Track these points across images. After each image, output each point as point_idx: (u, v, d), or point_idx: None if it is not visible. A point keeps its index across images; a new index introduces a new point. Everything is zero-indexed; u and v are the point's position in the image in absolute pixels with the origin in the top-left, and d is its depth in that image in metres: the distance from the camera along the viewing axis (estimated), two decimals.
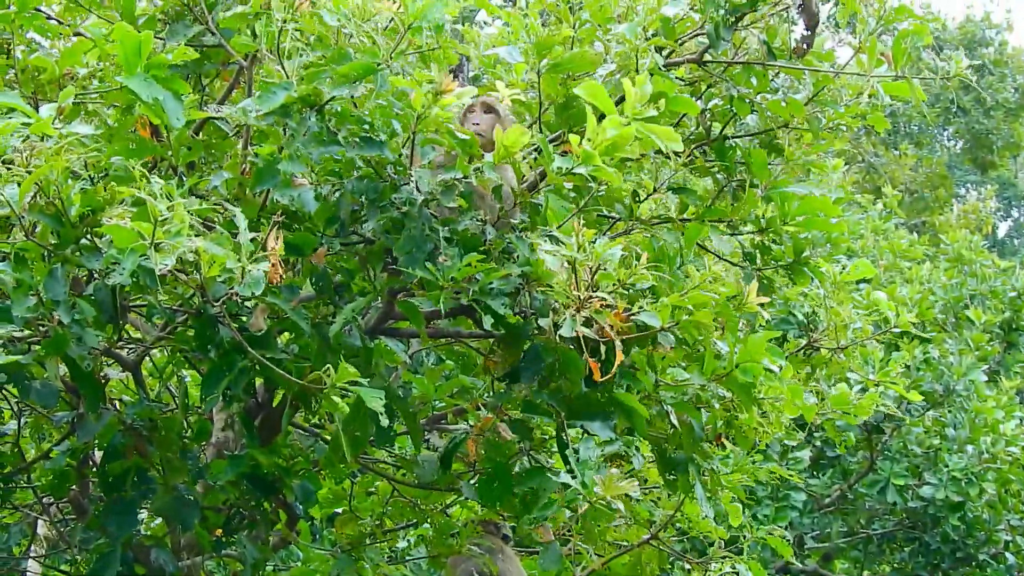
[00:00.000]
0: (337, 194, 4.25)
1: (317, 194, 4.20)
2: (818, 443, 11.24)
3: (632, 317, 4.20)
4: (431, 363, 6.78)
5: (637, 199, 4.84)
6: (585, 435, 4.87)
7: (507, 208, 4.37)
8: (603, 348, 4.15)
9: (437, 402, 6.16)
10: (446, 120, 4.17)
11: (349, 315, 4.21)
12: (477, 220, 4.23)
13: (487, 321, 4.14)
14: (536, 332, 4.27)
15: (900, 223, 15.84)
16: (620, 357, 4.07)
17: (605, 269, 4.05)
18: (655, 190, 4.79)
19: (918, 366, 11.03)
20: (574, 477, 4.50)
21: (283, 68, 4.11)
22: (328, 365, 3.76)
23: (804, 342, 7.14)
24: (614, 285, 4.08)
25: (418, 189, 4.07)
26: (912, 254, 13.89)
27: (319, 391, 3.87)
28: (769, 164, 5.48)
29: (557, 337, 4.05)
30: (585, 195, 4.49)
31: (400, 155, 4.22)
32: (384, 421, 3.78)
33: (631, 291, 4.21)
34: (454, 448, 4.96)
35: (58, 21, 5.18)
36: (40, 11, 4.86)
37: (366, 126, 4.14)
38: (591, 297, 4.03)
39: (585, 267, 4.03)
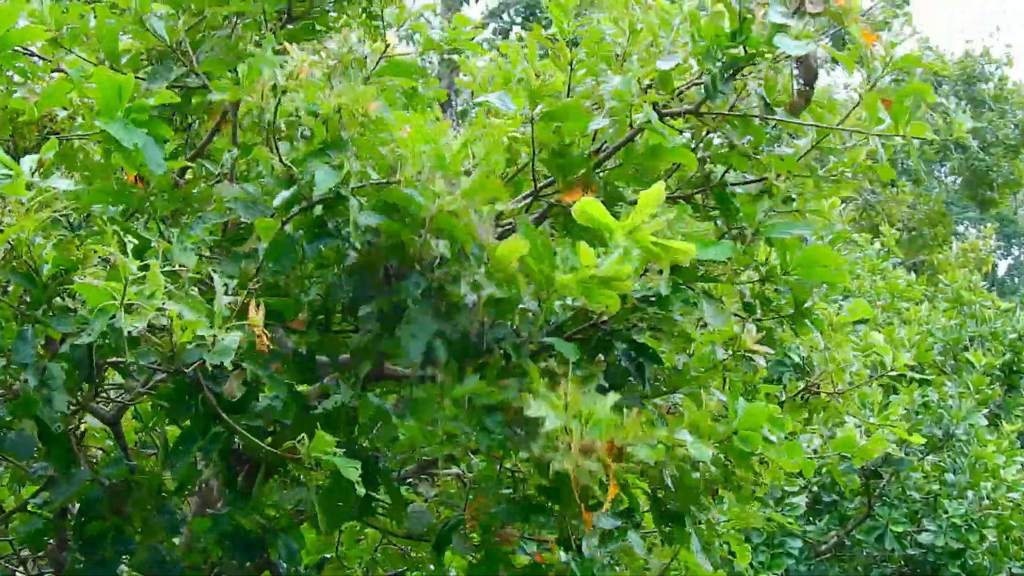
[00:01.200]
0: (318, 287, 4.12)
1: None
2: (815, 488, 11.10)
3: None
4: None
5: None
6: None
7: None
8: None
9: (425, 448, 6.04)
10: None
11: (335, 404, 4.07)
12: (479, 323, 4.07)
13: (482, 441, 3.95)
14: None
15: (898, 262, 15.77)
16: (613, 492, 3.85)
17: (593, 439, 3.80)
18: (646, 271, 4.59)
19: (917, 410, 10.88)
20: None
21: (276, 151, 3.94)
22: (303, 435, 3.61)
23: (801, 386, 7.06)
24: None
25: (424, 272, 3.90)
26: (910, 294, 13.77)
27: (294, 461, 3.73)
28: (768, 211, 5.37)
29: (550, 471, 3.85)
30: None
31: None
32: (360, 491, 3.62)
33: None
34: (449, 531, 4.81)
35: (40, 57, 5.05)
36: (19, 50, 4.74)
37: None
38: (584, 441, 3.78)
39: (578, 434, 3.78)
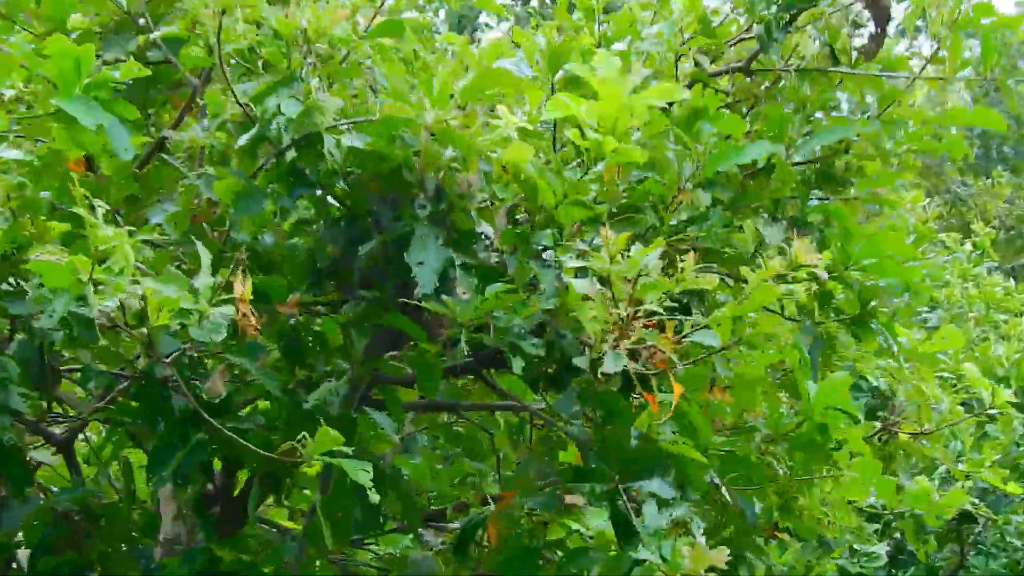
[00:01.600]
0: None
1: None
2: (897, 534, 11.06)
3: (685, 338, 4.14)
4: (425, 444, 6.72)
5: (664, 205, 4.78)
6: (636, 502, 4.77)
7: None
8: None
9: (433, 492, 6.10)
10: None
11: (324, 396, 4.16)
12: (491, 249, 4.20)
13: (516, 364, 4.06)
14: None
15: (994, 266, 15.64)
16: (679, 390, 3.98)
17: (647, 278, 3.97)
18: (680, 190, 4.72)
19: (1017, 441, 10.80)
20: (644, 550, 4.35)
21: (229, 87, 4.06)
22: (304, 432, 3.69)
23: (878, 425, 7.06)
24: (660, 298, 4.01)
25: (430, 197, 4.02)
26: (1009, 304, 13.60)
27: (293, 466, 3.80)
28: (827, 199, 5.44)
29: (599, 376, 3.98)
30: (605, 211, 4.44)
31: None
32: (373, 498, 3.69)
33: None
34: (472, 529, 4.88)
35: None
36: None
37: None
38: (635, 316, 3.96)
39: (622, 281, 3.96)
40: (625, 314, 3.95)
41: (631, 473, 4.35)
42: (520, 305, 4.01)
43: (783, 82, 5.06)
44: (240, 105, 3.99)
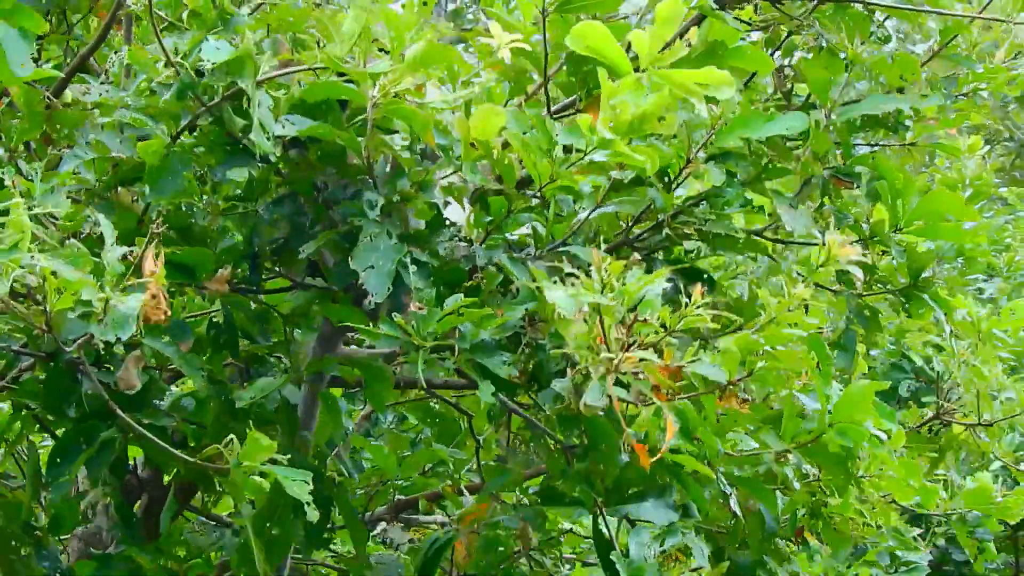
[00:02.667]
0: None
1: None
2: (941, 541, 11.07)
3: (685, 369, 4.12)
4: (390, 423, 6.74)
5: (667, 182, 4.74)
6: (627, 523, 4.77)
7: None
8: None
9: (401, 480, 6.12)
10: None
11: (258, 393, 4.16)
12: (459, 239, 4.17)
13: (485, 390, 4.05)
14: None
15: None
16: (672, 430, 3.96)
17: (642, 318, 3.93)
18: (689, 161, 4.68)
19: None
20: None
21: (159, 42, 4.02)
22: (231, 436, 3.67)
23: (930, 413, 7.04)
24: (657, 334, 3.97)
25: (376, 188, 4.00)
26: None
27: (220, 473, 3.79)
28: (876, 145, 5.40)
29: (581, 405, 3.97)
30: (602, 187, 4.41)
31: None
32: (312, 515, 3.68)
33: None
34: (437, 553, 4.89)
35: None
36: None
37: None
38: (627, 351, 3.92)
39: (615, 313, 3.91)
40: (615, 353, 3.91)
41: (620, 495, 4.35)
42: (488, 318, 3.98)
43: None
44: (168, 59, 3.94)
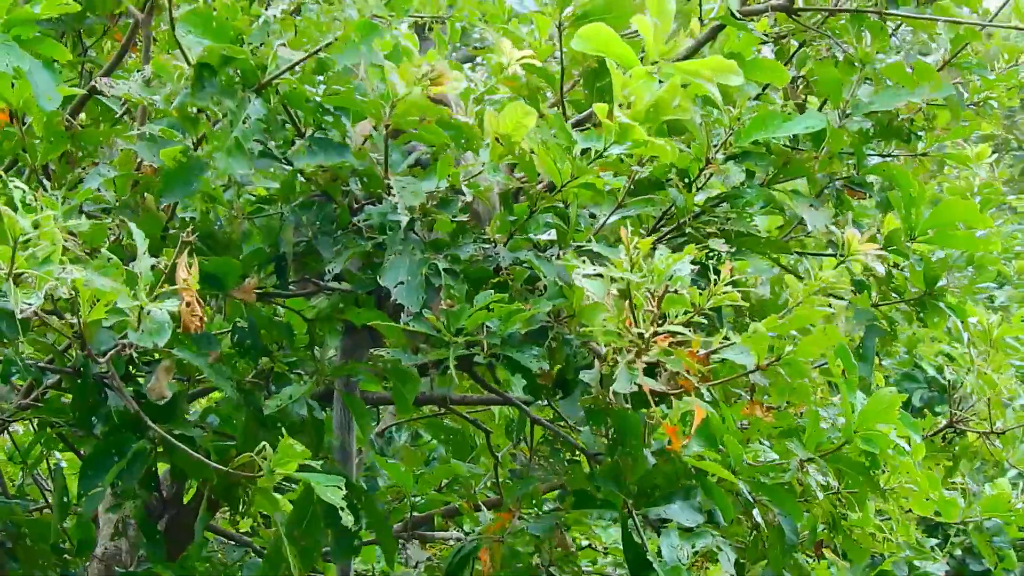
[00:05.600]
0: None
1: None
2: (958, 551, 11.02)
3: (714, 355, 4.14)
4: (405, 441, 6.73)
5: (687, 182, 4.76)
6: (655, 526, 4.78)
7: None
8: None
9: (418, 497, 6.12)
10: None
11: (285, 400, 4.18)
12: (482, 242, 4.20)
13: (517, 384, 4.09)
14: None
15: None
16: (700, 414, 3.98)
17: (673, 291, 3.96)
18: (708, 161, 4.70)
19: None
20: None
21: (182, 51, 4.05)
22: (264, 443, 3.68)
23: (943, 421, 7.02)
24: (687, 313, 4.00)
25: (401, 207, 4.02)
26: None
27: (250, 481, 3.80)
28: (888, 156, 5.42)
29: (610, 394, 3.99)
30: (623, 188, 4.43)
31: (371, 162, 4.20)
32: (347, 520, 3.70)
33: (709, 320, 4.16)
34: (461, 563, 4.89)
35: None
36: None
37: (327, 117, 4.09)
38: (656, 333, 3.95)
39: (643, 292, 3.94)
40: (646, 332, 3.94)
41: (647, 497, 4.36)
42: (517, 313, 4.01)
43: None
44: (188, 64, 3.96)
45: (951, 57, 5.27)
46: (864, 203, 5.54)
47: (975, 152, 6.37)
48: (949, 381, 7.26)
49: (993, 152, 6.31)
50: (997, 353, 6.64)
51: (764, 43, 5.11)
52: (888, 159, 5.44)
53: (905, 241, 5.31)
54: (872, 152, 5.42)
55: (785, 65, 5.15)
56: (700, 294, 3.99)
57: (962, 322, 6.07)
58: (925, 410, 7.54)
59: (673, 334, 3.98)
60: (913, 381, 9.21)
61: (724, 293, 3.99)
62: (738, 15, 4.68)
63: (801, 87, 5.40)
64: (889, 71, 5.04)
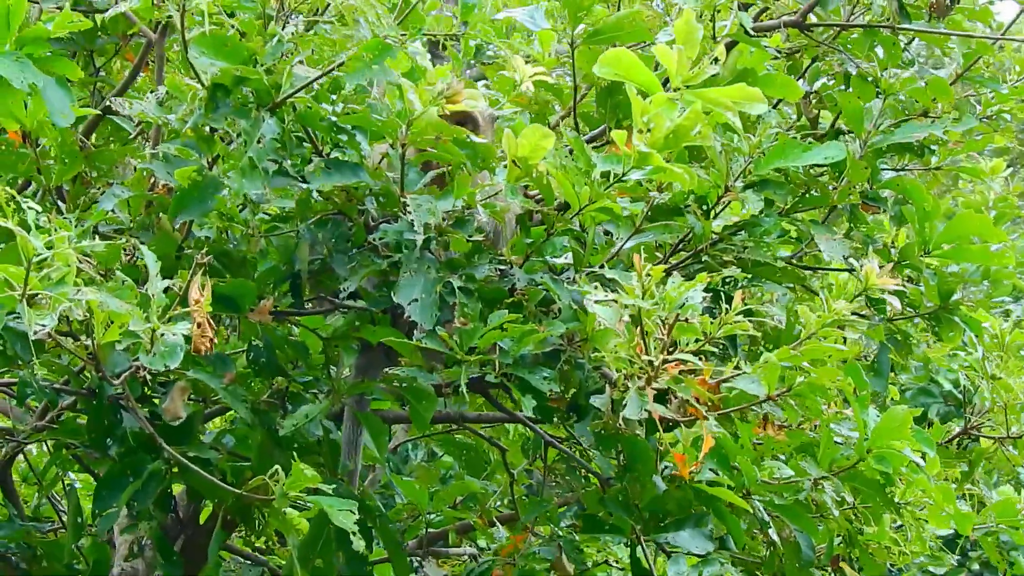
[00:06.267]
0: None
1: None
2: (975, 566, 10.97)
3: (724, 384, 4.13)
4: (420, 459, 6.72)
5: (705, 209, 4.76)
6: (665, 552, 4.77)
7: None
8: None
9: (432, 514, 6.11)
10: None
11: (301, 420, 4.18)
12: (498, 262, 4.20)
13: (527, 404, 4.09)
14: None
15: None
16: (709, 442, 3.98)
17: (685, 319, 3.95)
18: (727, 189, 4.70)
19: None
20: None
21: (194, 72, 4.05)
22: (276, 467, 3.68)
23: (957, 428, 7.01)
24: (698, 341, 3.99)
25: (416, 225, 4.02)
26: None
27: (264, 503, 3.80)
28: (902, 170, 5.41)
29: (620, 421, 3.99)
30: (641, 213, 4.43)
31: (388, 181, 4.20)
32: (358, 544, 3.70)
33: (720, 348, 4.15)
34: None
35: None
36: None
37: (343, 136, 4.09)
38: (667, 361, 3.94)
39: (655, 319, 3.93)
40: (656, 359, 3.93)
41: (657, 523, 4.36)
42: (530, 334, 4.01)
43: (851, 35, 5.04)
44: (202, 85, 3.96)
45: (964, 71, 5.26)
46: (878, 217, 5.52)
47: (989, 166, 6.36)
48: (964, 387, 7.25)
49: (1008, 166, 6.30)
50: (1010, 359, 6.64)
51: (775, 58, 5.11)
52: (902, 173, 5.43)
53: (919, 255, 5.29)
54: (886, 166, 5.42)
55: (798, 80, 5.14)
56: (712, 322, 3.99)
57: (977, 336, 6.05)
58: (938, 422, 7.51)
59: (683, 362, 3.98)
60: (929, 396, 9.16)
61: (735, 322, 3.98)
62: (751, 31, 4.67)
63: (814, 101, 5.39)
64: (903, 86, 5.03)
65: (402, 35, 4.11)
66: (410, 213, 4.02)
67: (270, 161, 3.96)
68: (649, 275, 3.88)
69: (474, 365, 4.07)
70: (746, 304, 4.02)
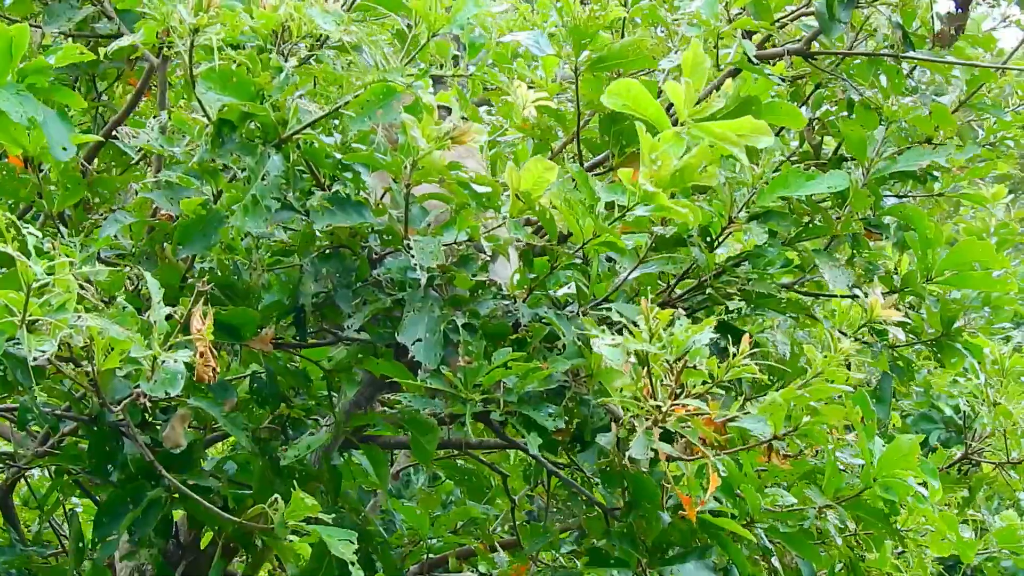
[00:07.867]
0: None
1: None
2: None
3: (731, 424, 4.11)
4: (422, 483, 6.70)
5: (708, 241, 4.75)
6: None
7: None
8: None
9: (433, 539, 6.10)
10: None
11: (304, 451, 4.17)
12: (501, 297, 4.19)
13: (532, 443, 4.08)
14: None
15: None
16: (715, 481, 3.96)
17: (692, 365, 3.93)
18: (731, 220, 4.69)
19: None
20: None
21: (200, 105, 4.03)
22: (276, 495, 3.67)
23: (958, 453, 7.00)
24: (705, 384, 3.97)
25: (420, 266, 4.01)
26: None
27: (264, 532, 3.78)
28: (905, 196, 5.40)
29: (626, 459, 3.98)
30: (644, 244, 4.41)
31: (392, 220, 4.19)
32: (357, 574, 3.68)
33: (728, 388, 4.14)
34: None
35: None
36: None
37: (347, 173, 4.08)
38: (674, 404, 3.92)
39: (662, 362, 3.91)
40: (663, 403, 3.91)
41: (661, 555, 4.34)
42: (534, 371, 3.99)
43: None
44: (208, 120, 3.95)
45: (967, 98, 5.26)
46: (881, 243, 5.52)
47: (991, 192, 6.36)
48: (964, 413, 7.24)
49: (1009, 192, 6.30)
50: (1011, 384, 6.64)
51: (781, 84, 5.12)
52: (904, 199, 5.42)
53: (921, 282, 5.28)
54: (888, 193, 5.41)
55: (801, 107, 5.14)
56: (719, 366, 3.97)
57: (979, 362, 6.04)
58: (940, 448, 7.50)
59: (690, 406, 3.96)
60: (930, 422, 9.14)
61: (743, 366, 3.96)
62: (754, 59, 4.66)
63: (817, 128, 5.39)
64: (906, 113, 5.03)
65: (410, 75, 4.09)
66: (413, 257, 4.01)
67: (273, 199, 3.95)
68: (656, 319, 3.85)
69: (478, 403, 4.05)
70: (752, 337, 4.00)
